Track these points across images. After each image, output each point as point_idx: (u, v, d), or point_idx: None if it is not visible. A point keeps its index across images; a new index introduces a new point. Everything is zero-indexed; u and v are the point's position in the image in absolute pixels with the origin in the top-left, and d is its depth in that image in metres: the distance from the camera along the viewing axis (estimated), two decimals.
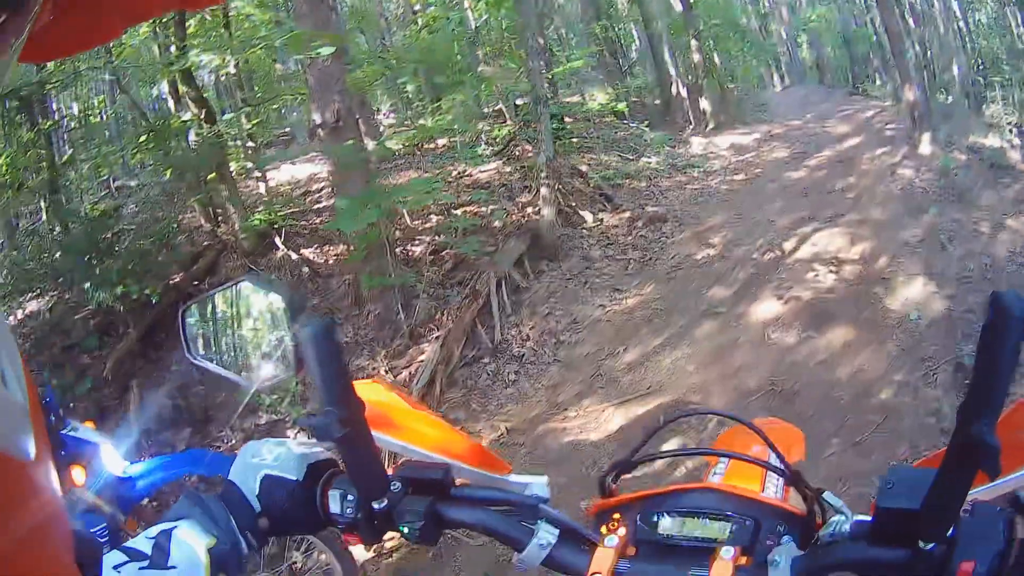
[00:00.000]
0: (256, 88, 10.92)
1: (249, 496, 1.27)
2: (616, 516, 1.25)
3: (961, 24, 27.75)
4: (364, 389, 1.20)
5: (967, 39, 27.41)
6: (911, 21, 26.03)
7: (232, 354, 1.44)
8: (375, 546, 5.06)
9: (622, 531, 1.21)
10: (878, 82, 32.00)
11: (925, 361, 6.65)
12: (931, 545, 0.96)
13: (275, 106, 11.70)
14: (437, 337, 7.96)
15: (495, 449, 6.63)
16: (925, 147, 14.14)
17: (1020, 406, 1.10)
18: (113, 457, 3.99)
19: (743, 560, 1.12)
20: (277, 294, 1.33)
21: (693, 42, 20.51)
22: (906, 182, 12.66)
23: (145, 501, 4.35)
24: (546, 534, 1.19)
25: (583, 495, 5.40)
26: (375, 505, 1.23)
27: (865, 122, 19.89)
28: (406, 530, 1.23)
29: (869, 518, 1.05)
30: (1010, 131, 16.41)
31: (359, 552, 4.87)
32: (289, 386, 6.56)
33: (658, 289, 9.53)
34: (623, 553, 1.18)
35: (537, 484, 1.31)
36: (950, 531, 0.95)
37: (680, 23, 21.45)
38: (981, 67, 25.53)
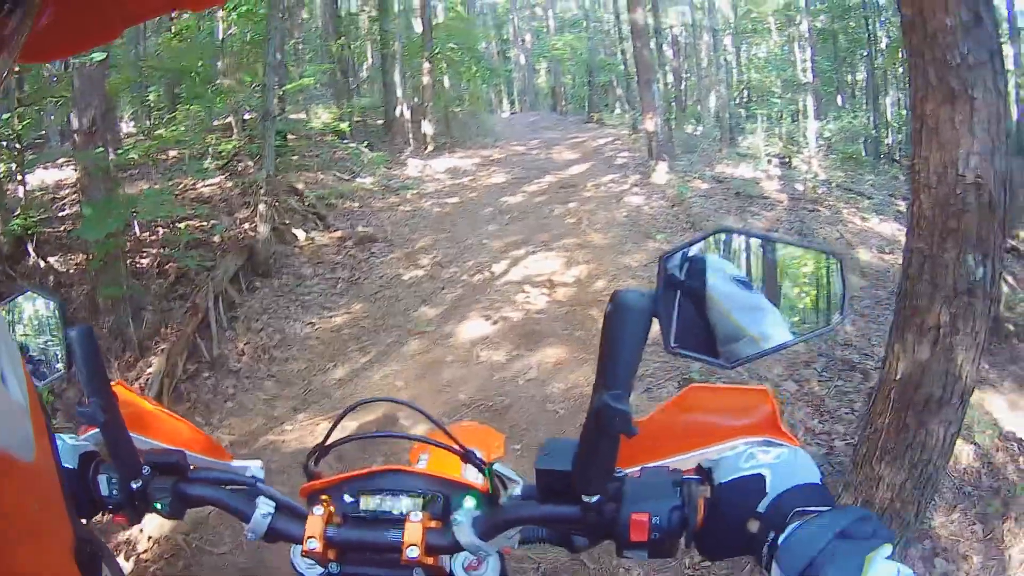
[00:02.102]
0: (27, 89, 10.85)
1: None
2: (324, 497, 1.35)
3: (730, 58, 28.80)
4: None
5: (734, 72, 28.35)
6: (669, 52, 26.78)
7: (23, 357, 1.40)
8: (136, 555, 5.32)
9: (332, 508, 1.33)
10: (617, 111, 32.60)
11: (645, 378, 7.08)
12: (595, 499, 1.08)
13: (37, 108, 11.41)
14: (163, 350, 8.06)
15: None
16: (660, 176, 15.06)
17: (690, 391, 1.31)
18: None
19: (432, 524, 1.27)
20: (50, 301, 1.47)
21: (425, 64, 20.69)
22: (633, 209, 13.42)
23: None
24: (265, 505, 1.34)
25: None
26: (133, 485, 1.35)
27: (595, 150, 20.88)
28: (159, 506, 1.37)
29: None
30: (768, 161, 17.88)
31: (124, 565, 5.03)
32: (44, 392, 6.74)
33: (366, 308, 9.84)
34: (330, 521, 1.30)
35: (254, 467, 1.49)
36: (616, 489, 1.10)
37: (417, 44, 21.61)
38: (746, 99, 26.74)
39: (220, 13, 14.06)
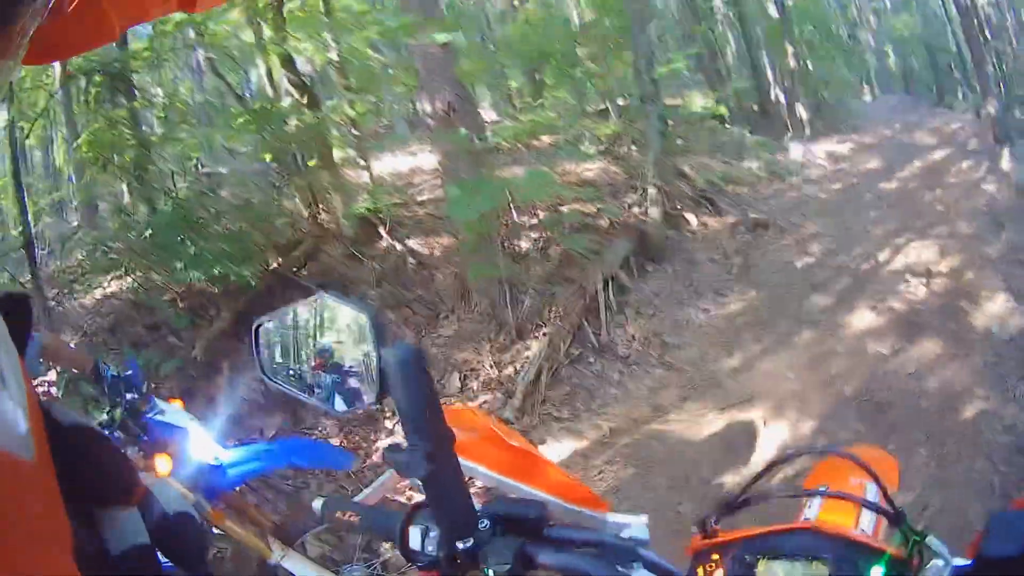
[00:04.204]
0: (352, 78, 10.75)
1: None
2: (715, 557, 1.26)
3: None
4: (454, 416, 1.18)
5: None
6: (988, 34, 26.06)
7: (309, 376, 1.33)
8: None
9: (719, 573, 1.22)
10: (960, 95, 32.50)
11: (1005, 377, 6.77)
12: None
13: (373, 99, 11.50)
14: (545, 333, 7.94)
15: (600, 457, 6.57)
16: (1005, 163, 14.51)
17: None
18: (203, 442, 3.78)
19: None
20: (359, 311, 1.22)
21: (789, 48, 20.78)
22: (988, 197, 13.17)
23: (236, 490, 4.11)
24: None
25: (681, 500, 5.51)
26: (460, 544, 1.17)
27: (951, 135, 20.44)
28: (491, 573, 1.16)
29: (967, 562, 1.04)
30: None
31: None
32: None
33: (760, 295, 9.63)
34: None
35: (636, 526, 1.32)
36: None
37: (777, 28, 21.63)
38: None
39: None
